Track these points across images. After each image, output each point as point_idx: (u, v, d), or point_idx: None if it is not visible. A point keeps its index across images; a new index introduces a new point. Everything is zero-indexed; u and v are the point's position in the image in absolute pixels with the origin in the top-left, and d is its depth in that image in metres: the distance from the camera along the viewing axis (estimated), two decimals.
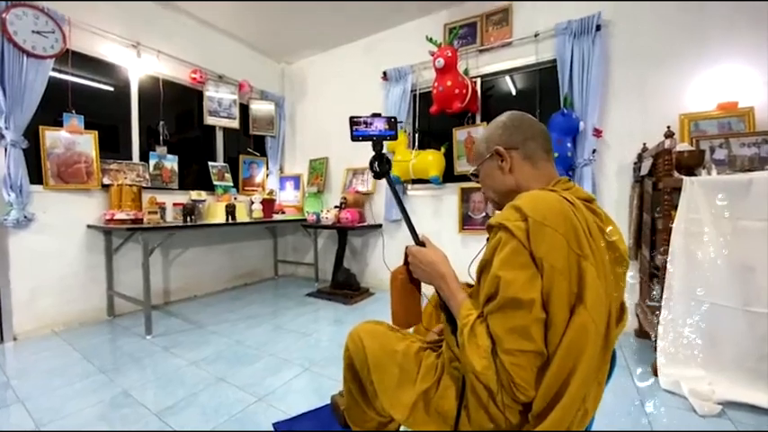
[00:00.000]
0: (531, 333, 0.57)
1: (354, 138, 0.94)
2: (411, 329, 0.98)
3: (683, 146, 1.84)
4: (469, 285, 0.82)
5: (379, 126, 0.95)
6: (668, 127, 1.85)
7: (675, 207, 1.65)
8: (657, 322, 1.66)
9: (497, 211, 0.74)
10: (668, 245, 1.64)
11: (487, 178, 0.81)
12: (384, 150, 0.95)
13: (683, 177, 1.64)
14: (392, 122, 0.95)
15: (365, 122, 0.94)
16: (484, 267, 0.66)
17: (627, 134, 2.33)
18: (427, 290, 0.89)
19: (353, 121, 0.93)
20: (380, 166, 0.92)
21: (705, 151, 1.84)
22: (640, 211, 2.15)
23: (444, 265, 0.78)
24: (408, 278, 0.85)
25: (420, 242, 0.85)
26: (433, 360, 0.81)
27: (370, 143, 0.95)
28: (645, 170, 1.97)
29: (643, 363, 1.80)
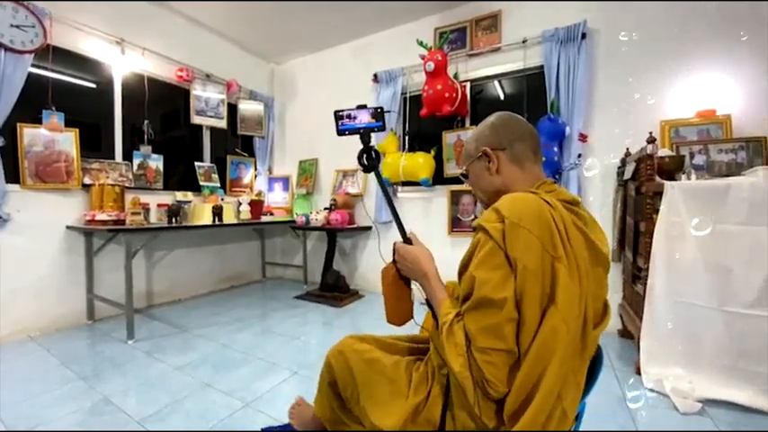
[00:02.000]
0: (503, 332, 0.59)
1: (340, 132, 0.92)
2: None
3: (665, 151, 1.90)
4: None
5: (366, 118, 0.91)
6: (650, 133, 1.91)
7: (657, 210, 1.70)
8: (640, 322, 1.70)
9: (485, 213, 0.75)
10: (650, 247, 1.68)
11: (476, 179, 0.82)
12: (373, 143, 0.92)
13: (665, 182, 1.69)
14: (378, 113, 0.91)
15: (350, 116, 0.91)
16: (463, 268, 0.67)
17: (611, 139, 2.39)
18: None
19: (338, 115, 0.91)
20: (369, 160, 0.90)
21: (685, 157, 1.91)
22: (624, 214, 2.21)
23: (427, 262, 0.79)
24: (398, 275, 0.85)
25: (407, 239, 0.86)
26: (423, 370, 0.80)
27: (358, 140, 0.92)
28: (628, 174, 2.02)
29: (626, 362, 1.84)
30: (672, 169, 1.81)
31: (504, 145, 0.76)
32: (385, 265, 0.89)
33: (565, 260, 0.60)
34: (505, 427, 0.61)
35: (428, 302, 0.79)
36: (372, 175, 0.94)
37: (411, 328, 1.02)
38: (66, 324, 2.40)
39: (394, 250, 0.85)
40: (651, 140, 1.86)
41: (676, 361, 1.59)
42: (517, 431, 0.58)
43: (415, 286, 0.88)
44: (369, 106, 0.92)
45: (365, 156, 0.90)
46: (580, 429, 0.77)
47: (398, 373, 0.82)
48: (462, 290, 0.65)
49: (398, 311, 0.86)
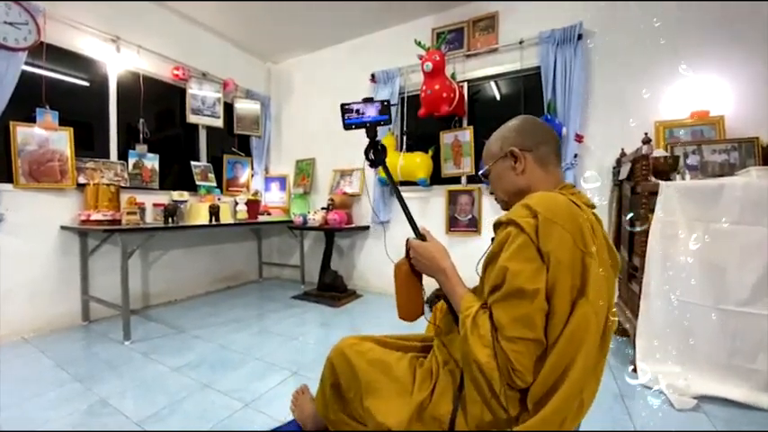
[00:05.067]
0: (533, 322, 0.60)
1: (347, 126, 0.91)
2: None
3: (659, 152, 1.92)
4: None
5: (372, 112, 0.91)
6: (645, 133, 1.94)
7: (652, 210, 1.72)
8: (635, 320, 1.72)
9: (503, 212, 0.75)
10: (645, 246, 1.71)
11: (498, 179, 0.82)
12: (379, 138, 0.92)
13: (660, 182, 1.71)
14: (385, 106, 0.91)
15: (357, 110, 0.90)
16: (491, 260, 0.68)
17: (606, 140, 2.42)
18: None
19: (345, 109, 0.90)
20: (376, 155, 0.90)
21: (679, 157, 1.93)
22: (619, 214, 2.23)
23: (444, 258, 0.80)
24: (410, 270, 0.86)
25: (420, 235, 0.86)
26: (428, 366, 0.81)
27: (359, 139, 0.93)
28: (623, 174, 2.04)
29: (622, 359, 1.86)
30: (666, 169, 1.83)
31: (531, 146, 0.78)
32: (396, 261, 0.89)
33: (595, 256, 0.62)
34: (528, 414, 0.62)
35: (444, 298, 0.79)
36: (372, 175, 0.94)
37: (417, 326, 1.03)
38: (61, 325, 2.37)
39: (407, 247, 0.85)
40: (646, 141, 1.88)
41: (671, 358, 1.61)
42: (540, 418, 0.60)
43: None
44: (375, 99, 0.91)
45: (372, 150, 0.89)
46: (580, 429, 0.78)
47: (401, 371, 0.82)
48: (491, 281, 0.65)
49: (410, 307, 0.87)
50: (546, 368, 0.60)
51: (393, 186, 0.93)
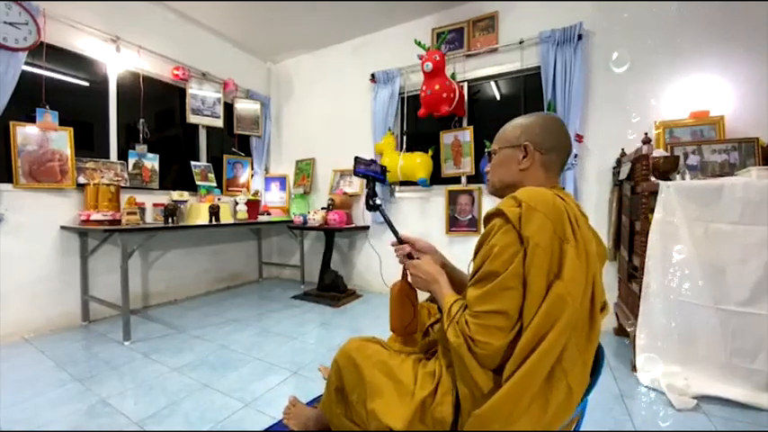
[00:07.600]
0: (497, 296, 0.64)
1: (356, 174, 1.15)
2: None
3: (659, 152, 1.92)
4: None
5: (377, 169, 1.18)
6: (645, 133, 1.94)
7: (652, 210, 1.72)
8: (636, 320, 1.72)
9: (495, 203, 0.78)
10: (646, 246, 1.71)
11: (500, 164, 0.85)
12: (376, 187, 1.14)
13: (660, 182, 1.71)
14: (384, 170, 1.20)
15: (366, 163, 1.16)
16: (478, 249, 0.73)
17: (606, 140, 2.41)
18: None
19: (358, 160, 1.14)
20: (374, 201, 1.10)
21: (679, 157, 1.93)
22: (619, 214, 2.23)
23: (439, 273, 0.89)
24: (404, 289, 0.99)
25: (410, 254, 0.98)
26: (431, 368, 0.81)
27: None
28: (623, 174, 2.05)
29: (622, 360, 1.87)
30: (667, 169, 1.83)
31: (545, 149, 0.80)
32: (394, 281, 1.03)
33: (573, 243, 0.65)
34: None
35: (438, 309, 0.87)
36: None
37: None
38: (61, 325, 2.37)
39: (404, 267, 0.98)
40: (646, 141, 1.89)
41: (671, 358, 1.61)
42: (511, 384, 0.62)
43: None
44: (377, 162, 1.17)
45: (371, 199, 1.10)
46: (581, 429, 0.78)
47: (405, 372, 0.82)
48: (475, 265, 0.71)
49: (400, 322, 1.00)
50: (520, 344, 0.63)
51: (390, 226, 1.04)
